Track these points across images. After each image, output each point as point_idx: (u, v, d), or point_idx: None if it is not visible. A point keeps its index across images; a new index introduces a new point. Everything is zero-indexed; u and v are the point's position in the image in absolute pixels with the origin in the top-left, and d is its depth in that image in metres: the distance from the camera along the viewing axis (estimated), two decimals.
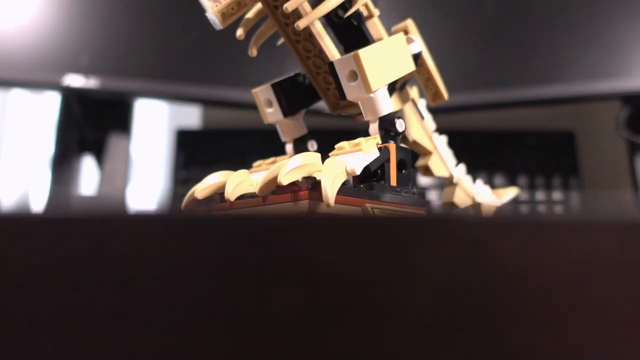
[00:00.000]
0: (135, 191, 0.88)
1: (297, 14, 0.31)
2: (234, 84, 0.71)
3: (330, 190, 0.25)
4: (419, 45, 0.33)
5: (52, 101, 0.82)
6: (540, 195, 0.82)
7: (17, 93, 0.95)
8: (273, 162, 0.34)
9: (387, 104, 0.31)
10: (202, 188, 0.31)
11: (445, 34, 0.73)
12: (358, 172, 0.28)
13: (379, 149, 0.30)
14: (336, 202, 0.26)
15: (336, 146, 0.30)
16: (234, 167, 0.88)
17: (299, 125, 0.36)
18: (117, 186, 0.73)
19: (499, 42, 0.72)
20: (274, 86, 0.35)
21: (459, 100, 0.71)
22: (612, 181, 0.88)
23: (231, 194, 0.29)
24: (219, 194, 0.31)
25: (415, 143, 0.39)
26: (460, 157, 0.83)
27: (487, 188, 0.45)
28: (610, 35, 0.67)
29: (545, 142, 0.85)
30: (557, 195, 0.81)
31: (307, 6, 0.31)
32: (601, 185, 0.88)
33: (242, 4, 0.34)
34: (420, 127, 0.39)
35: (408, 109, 0.38)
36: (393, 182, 0.30)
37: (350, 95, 0.31)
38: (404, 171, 0.31)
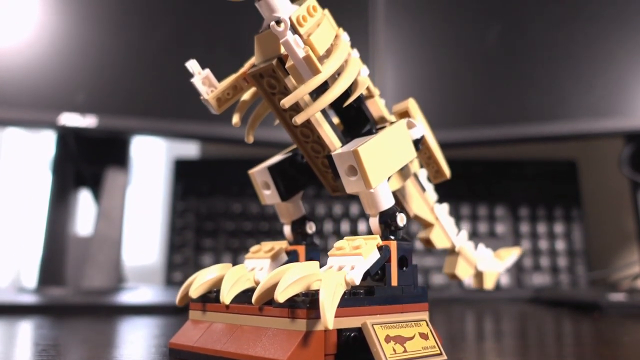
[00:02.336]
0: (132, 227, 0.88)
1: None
2: (229, 120, 0.70)
3: (329, 312, 0.24)
4: (420, 129, 0.33)
5: (48, 138, 0.81)
6: (541, 227, 0.81)
7: (12, 131, 0.93)
8: (271, 250, 0.33)
9: (387, 198, 0.30)
10: (197, 286, 0.30)
11: (447, 70, 0.72)
12: (357, 283, 0.27)
13: (379, 248, 0.29)
14: (335, 316, 0.25)
15: (335, 245, 0.29)
16: (232, 197, 0.86)
17: (297, 207, 0.35)
18: (114, 221, 0.72)
19: (501, 78, 0.71)
20: (271, 169, 0.34)
21: (461, 136, 0.70)
22: (614, 210, 0.87)
23: (226, 297, 0.29)
24: (214, 291, 0.30)
25: (416, 217, 0.38)
26: (460, 187, 0.82)
27: (489, 252, 0.44)
28: (613, 72, 0.66)
29: (547, 171, 0.85)
30: (558, 227, 0.81)
31: (306, 96, 0.30)
32: (603, 215, 0.88)
33: (238, 88, 0.33)
34: (422, 201, 0.38)
35: (409, 184, 0.37)
36: (394, 281, 0.29)
37: (349, 189, 0.30)
38: (404, 268, 0.30)
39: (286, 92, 0.31)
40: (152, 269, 0.93)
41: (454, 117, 0.72)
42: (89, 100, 0.67)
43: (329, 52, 0.31)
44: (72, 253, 0.70)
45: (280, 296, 0.25)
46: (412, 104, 0.34)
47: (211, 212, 0.83)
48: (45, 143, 0.89)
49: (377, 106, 0.35)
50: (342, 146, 0.32)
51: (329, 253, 0.29)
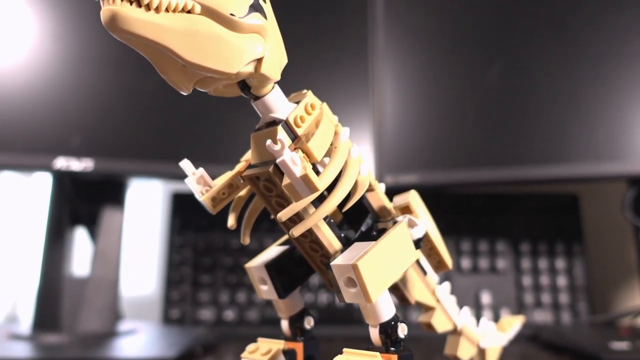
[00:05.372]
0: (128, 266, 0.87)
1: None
2: (227, 161, 0.69)
3: None
4: (422, 228, 0.32)
5: (44, 179, 0.80)
6: (542, 263, 0.80)
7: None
8: (268, 352, 0.32)
9: (388, 309, 0.29)
10: None
11: (447, 109, 0.71)
12: None
13: None
14: None
15: None
16: (230, 232, 0.86)
17: (295, 302, 0.34)
18: (111, 262, 0.71)
19: (501, 117, 0.70)
20: (268, 267, 0.33)
21: (459, 177, 0.69)
22: (617, 245, 0.86)
23: None
24: None
25: (417, 302, 0.37)
26: (461, 221, 0.81)
27: (491, 326, 0.43)
28: (616, 115, 0.65)
29: (548, 205, 0.84)
30: (560, 263, 0.80)
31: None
32: (605, 249, 0.87)
33: (234, 186, 0.32)
34: (423, 285, 0.37)
35: (410, 270, 0.36)
36: None
37: (348, 299, 0.29)
38: None
39: (283, 195, 0.30)
40: (149, 300, 0.92)
41: (453, 156, 0.70)
42: (84, 143, 0.66)
43: (328, 152, 0.30)
44: (68, 295, 0.69)
45: None
46: (413, 198, 0.33)
47: (209, 247, 0.82)
48: (40, 183, 0.88)
49: (378, 197, 0.34)
50: (342, 248, 0.31)
51: None
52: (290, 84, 0.32)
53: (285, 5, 0.75)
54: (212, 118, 0.70)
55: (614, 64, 0.66)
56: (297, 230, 0.28)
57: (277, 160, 0.26)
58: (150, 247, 0.94)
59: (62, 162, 0.65)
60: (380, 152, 0.72)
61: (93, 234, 0.73)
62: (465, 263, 0.80)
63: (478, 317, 0.77)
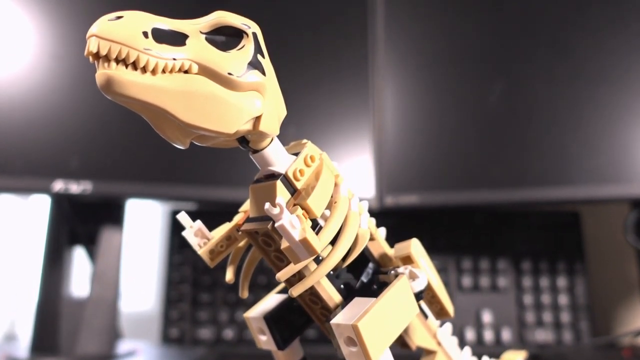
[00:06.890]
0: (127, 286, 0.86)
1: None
2: (224, 183, 0.69)
3: None
4: (423, 280, 0.31)
5: (42, 201, 0.80)
6: (544, 281, 0.80)
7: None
8: None
9: None
10: None
11: (448, 132, 0.71)
12: None
13: None
14: None
15: None
16: None
17: (295, 352, 0.34)
18: (110, 283, 0.71)
19: (503, 139, 0.69)
20: (267, 319, 0.32)
21: (461, 198, 0.69)
22: (618, 262, 0.86)
23: None
24: None
25: (419, 347, 0.37)
26: (462, 238, 0.81)
27: None
28: (618, 137, 0.65)
29: (550, 223, 0.83)
30: (561, 281, 0.79)
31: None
32: (607, 267, 0.86)
33: (232, 238, 0.31)
34: (424, 330, 0.37)
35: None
36: None
37: (348, 358, 0.28)
38: None
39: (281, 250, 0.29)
40: (148, 317, 0.91)
41: (454, 177, 0.70)
42: (83, 165, 0.65)
43: (329, 205, 0.29)
44: (67, 316, 0.69)
45: None
46: (414, 248, 0.33)
47: (208, 265, 0.81)
48: (39, 204, 0.88)
49: (379, 245, 0.33)
50: (342, 302, 0.30)
51: None
52: (291, 102, 0.31)
53: (285, 24, 0.74)
54: None
55: (616, 85, 0.66)
56: (296, 291, 0.27)
57: (276, 225, 0.26)
58: (150, 265, 0.94)
59: (60, 185, 0.64)
60: (380, 173, 0.72)
61: (92, 254, 0.72)
62: (466, 281, 0.79)
63: (479, 334, 0.77)
